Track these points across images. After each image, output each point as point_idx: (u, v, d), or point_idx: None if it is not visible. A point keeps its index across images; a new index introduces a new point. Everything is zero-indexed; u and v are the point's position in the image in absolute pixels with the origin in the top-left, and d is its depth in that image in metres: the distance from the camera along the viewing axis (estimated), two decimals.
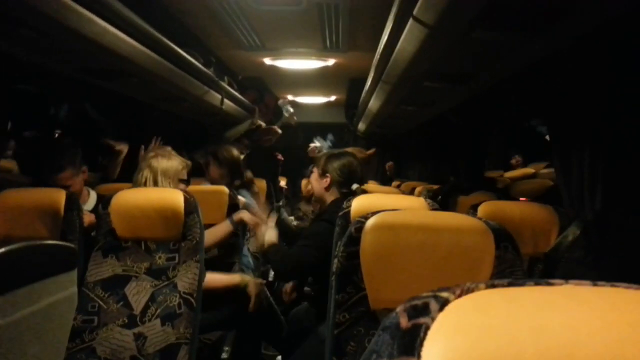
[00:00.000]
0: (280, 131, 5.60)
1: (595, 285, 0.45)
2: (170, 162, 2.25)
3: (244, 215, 2.45)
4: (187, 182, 2.35)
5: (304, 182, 4.71)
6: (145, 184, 2.18)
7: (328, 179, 2.44)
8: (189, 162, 2.40)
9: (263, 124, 5.20)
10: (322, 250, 2.11)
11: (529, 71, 1.98)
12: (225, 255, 2.57)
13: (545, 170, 4.30)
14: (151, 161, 2.23)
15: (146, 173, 2.20)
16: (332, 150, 2.71)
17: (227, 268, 2.51)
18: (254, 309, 2.27)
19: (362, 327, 1.17)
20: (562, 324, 0.40)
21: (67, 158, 2.51)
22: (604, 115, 1.54)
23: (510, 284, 0.45)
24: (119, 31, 1.96)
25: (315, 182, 2.53)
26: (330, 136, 6.72)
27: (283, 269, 2.29)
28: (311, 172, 2.64)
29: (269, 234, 2.34)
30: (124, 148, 3.44)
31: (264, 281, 2.55)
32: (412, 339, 0.38)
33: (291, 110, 6.08)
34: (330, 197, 2.43)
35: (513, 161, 5.46)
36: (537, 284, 0.46)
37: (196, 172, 3.04)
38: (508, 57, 1.86)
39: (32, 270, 0.95)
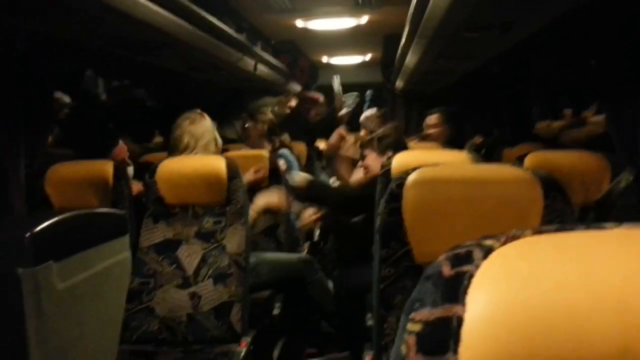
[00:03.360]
0: (322, 99, 5.42)
1: None
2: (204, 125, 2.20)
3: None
4: None
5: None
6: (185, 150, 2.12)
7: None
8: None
9: (292, 102, 4.98)
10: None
11: (573, 15, 1.86)
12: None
13: (595, 119, 4.10)
14: (190, 127, 2.15)
15: (186, 138, 2.13)
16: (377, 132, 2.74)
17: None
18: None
19: (409, 280, 1.17)
20: (614, 269, 0.38)
21: (115, 133, 2.58)
22: None
23: (558, 230, 0.43)
24: (149, 2, 1.96)
25: (375, 163, 2.51)
26: (368, 94, 6.53)
27: (336, 197, 2.33)
28: (364, 156, 2.62)
29: (298, 175, 2.36)
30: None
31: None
32: (456, 287, 0.38)
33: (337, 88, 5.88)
34: None
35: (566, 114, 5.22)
36: (587, 228, 0.44)
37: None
38: (551, 1, 1.76)
39: (86, 237, 1.00)
